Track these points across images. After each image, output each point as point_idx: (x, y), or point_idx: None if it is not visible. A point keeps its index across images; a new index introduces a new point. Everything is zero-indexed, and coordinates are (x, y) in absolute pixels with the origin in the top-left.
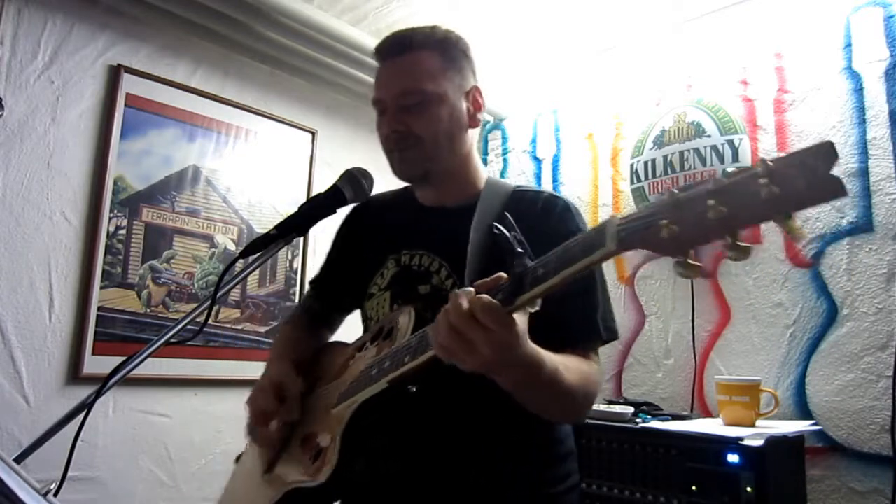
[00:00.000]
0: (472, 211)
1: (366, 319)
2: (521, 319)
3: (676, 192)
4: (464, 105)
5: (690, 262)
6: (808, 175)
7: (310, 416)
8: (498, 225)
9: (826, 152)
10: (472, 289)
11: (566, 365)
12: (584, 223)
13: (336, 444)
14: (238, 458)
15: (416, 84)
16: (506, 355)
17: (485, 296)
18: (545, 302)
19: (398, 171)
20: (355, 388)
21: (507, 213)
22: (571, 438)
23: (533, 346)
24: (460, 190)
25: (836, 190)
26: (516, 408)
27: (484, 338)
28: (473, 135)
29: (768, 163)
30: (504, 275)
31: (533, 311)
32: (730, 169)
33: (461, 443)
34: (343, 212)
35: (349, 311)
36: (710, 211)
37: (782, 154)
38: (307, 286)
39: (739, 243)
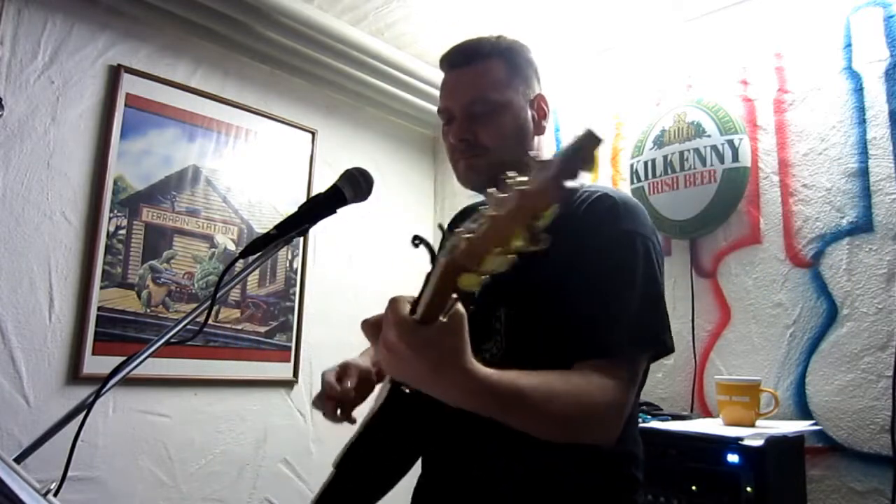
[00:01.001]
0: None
1: None
2: (435, 331)
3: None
4: (529, 113)
5: (482, 272)
6: (547, 171)
7: None
8: (418, 235)
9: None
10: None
11: (544, 389)
12: (645, 226)
13: (353, 437)
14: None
15: (484, 93)
16: (407, 361)
17: (401, 303)
18: (555, 310)
19: (463, 180)
20: (384, 384)
21: (441, 224)
22: (626, 461)
23: (478, 368)
24: None
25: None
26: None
27: (386, 347)
28: (541, 142)
29: (533, 161)
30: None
31: (444, 321)
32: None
33: (460, 440)
34: (343, 212)
35: None
36: (487, 220)
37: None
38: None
39: (511, 248)
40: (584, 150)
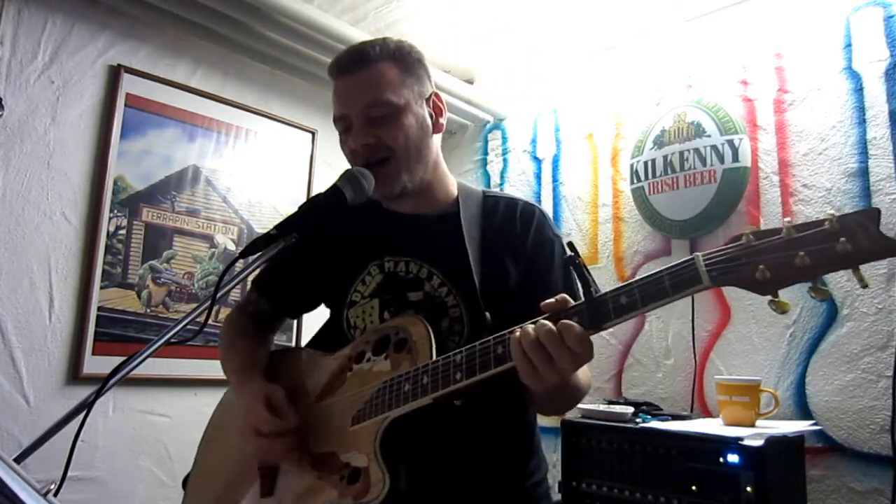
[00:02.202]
0: (453, 218)
1: (347, 327)
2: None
3: (753, 237)
4: (426, 112)
5: (779, 300)
6: (867, 234)
7: (318, 434)
8: (572, 255)
9: (874, 215)
10: (570, 323)
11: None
12: (556, 229)
13: (379, 464)
14: (186, 482)
15: (381, 95)
16: (576, 370)
17: (572, 323)
18: (531, 288)
19: (381, 191)
20: (383, 405)
21: (572, 244)
22: (538, 428)
23: None
24: (437, 197)
25: (892, 248)
26: (518, 409)
27: (570, 360)
28: (438, 140)
29: (835, 222)
30: (568, 297)
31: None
32: (789, 221)
33: (485, 453)
34: None
35: (295, 315)
36: (797, 259)
37: (843, 213)
38: (250, 288)
39: (820, 286)
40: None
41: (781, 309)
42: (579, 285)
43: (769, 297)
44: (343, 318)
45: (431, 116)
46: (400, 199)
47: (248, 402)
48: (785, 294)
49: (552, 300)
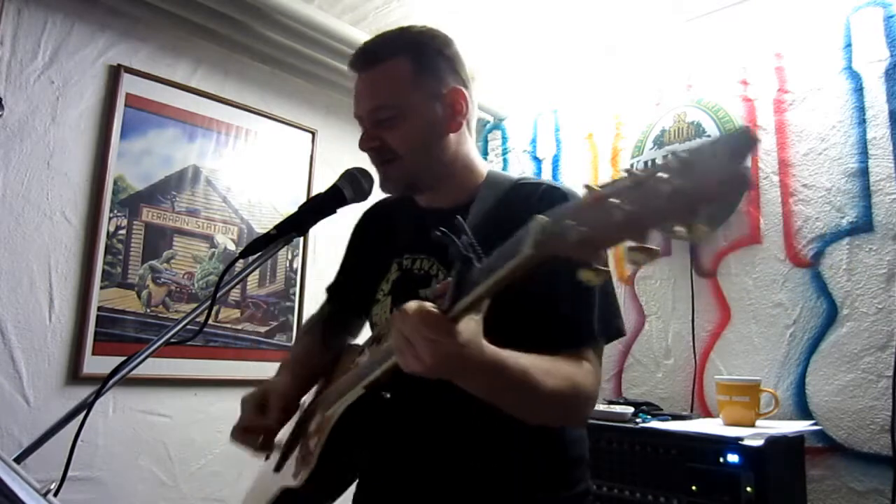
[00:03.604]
0: (466, 210)
1: (371, 325)
2: (467, 325)
3: (595, 188)
4: (439, 111)
5: (598, 266)
6: (715, 168)
7: (314, 419)
8: (442, 228)
9: (739, 140)
10: (414, 304)
11: (542, 367)
12: None
13: (318, 450)
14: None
15: (386, 98)
16: (452, 363)
17: (426, 304)
18: (533, 301)
19: (383, 189)
20: (341, 393)
21: (458, 217)
22: (580, 445)
23: (492, 351)
24: (456, 190)
25: (740, 184)
26: (492, 411)
27: (426, 346)
28: (462, 136)
29: (678, 155)
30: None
31: (478, 317)
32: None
33: (435, 448)
34: (343, 212)
35: (365, 316)
36: (616, 211)
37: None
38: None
39: (645, 245)
40: (743, 146)
41: (593, 279)
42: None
43: (586, 265)
44: (370, 315)
45: (447, 115)
46: (423, 195)
47: (246, 396)
48: (785, 293)
49: (439, 285)
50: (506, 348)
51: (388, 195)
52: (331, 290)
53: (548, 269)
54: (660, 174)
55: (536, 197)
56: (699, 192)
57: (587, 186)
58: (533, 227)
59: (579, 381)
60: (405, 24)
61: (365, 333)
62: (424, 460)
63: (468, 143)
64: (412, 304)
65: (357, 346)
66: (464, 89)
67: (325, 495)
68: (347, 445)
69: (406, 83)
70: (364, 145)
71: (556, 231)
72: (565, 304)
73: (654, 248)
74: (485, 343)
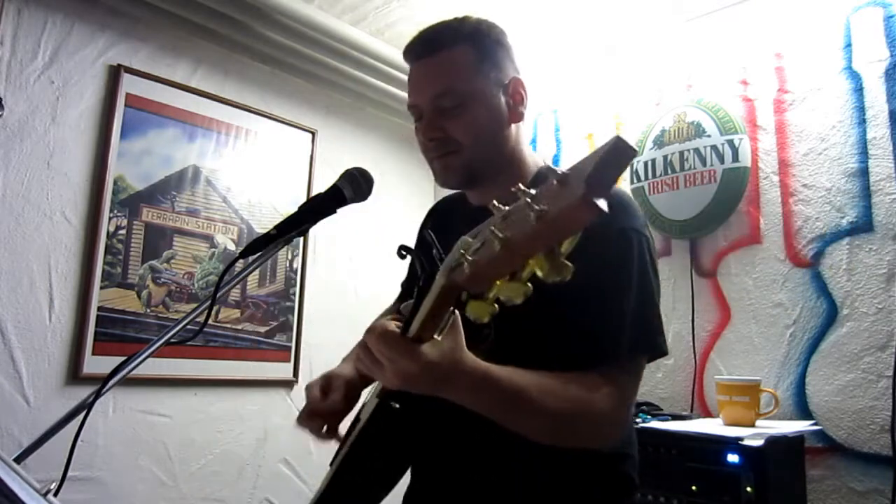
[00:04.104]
0: None
1: None
2: (435, 345)
3: (500, 205)
4: (503, 100)
5: (491, 300)
6: (571, 192)
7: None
8: (403, 246)
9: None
10: (377, 324)
11: (543, 386)
12: (638, 219)
13: (340, 455)
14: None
15: (451, 85)
16: (415, 382)
17: (390, 323)
18: (551, 319)
19: (441, 181)
20: (370, 397)
21: (429, 230)
22: (623, 465)
23: (479, 369)
24: (507, 186)
25: (591, 211)
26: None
27: (387, 365)
28: (519, 128)
29: (557, 175)
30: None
31: (448, 336)
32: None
33: (445, 459)
34: (343, 212)
35: None
36: (496, 241)
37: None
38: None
39: (523, 275)
40: (614, 165)
41: (477, 314)
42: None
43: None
44: None
45: (509, 105)
46: (472, 190)
47: (312, 381)
48: (785, 293)
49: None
50: (525, 365)
51: (451, 192)
52: (402, 286)
53: (572, 282)
54: (527, 199)
55: None
56: (561, 219)
57: (495, 207)
58: (453, 252)
59: (589, 402)
60: (405, 24)
61: None
62: (436, 471)
63: (524, 136)
64: (377, 323)
65: None
66: (522, 79)
67: (355, 500)
68: (372, 452)
69: (471, 71)
70: (427, 135)
71: (458, 263)
72: (591, 319)
73: (525, 286)
74: (469, 361)
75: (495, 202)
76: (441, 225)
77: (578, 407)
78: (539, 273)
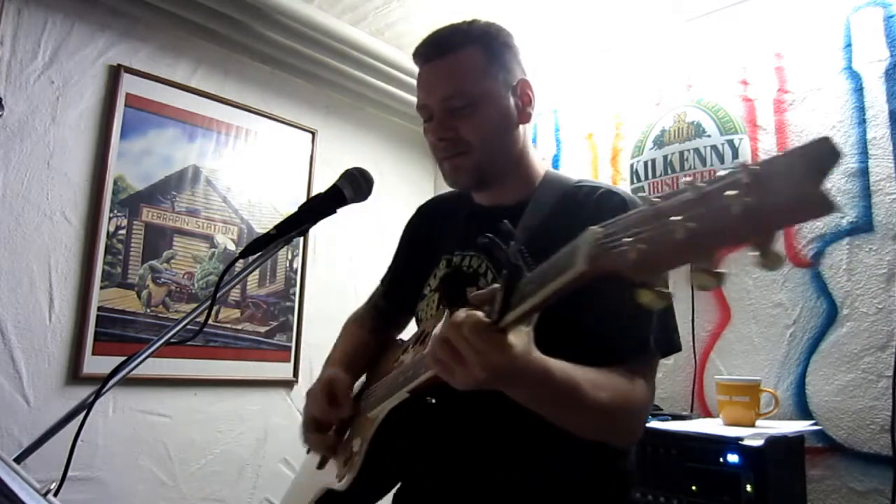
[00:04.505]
0: (521, 210)
1: (417, 321)
2: (519, 338)
3: (657, 199)
4: (511, 101)
5: (660, 289)
6: (788, 182)
7: (357, 418)
8: (489, 234)
9: (817, 152)
10: (463, 314)
11: (593, 381)
12: None
13: (362, 452)
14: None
15: (461, 86)
16: (502, 375)
17: (476, 313)
18: (584, 312)
19: (451, 181)
20: (385, 395)
21: (505, 221)
22: (624, 458)
23: (542, 363)
24: (514, 189)
25: (820, 206)
26: (536, 418)
27: (476, 359)
28: (526, 130)
29: (750, 167)
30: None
31: (528, 328)
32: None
33: (479, 454)
34: (343, 212)
35: (413, 312)
36: (678, 229)
37: (772, 155)
38: (378, 283)
39: (709, 269)
40: (823, 161)
41: (652, 303)
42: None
43: (645, 287)
44: (416, 311)
45: (517, 106)
46: (481, 191)
47: (313, 389)
48: (785, 293)
49: (482, 292)
50: (558, 359)
51: (449, 190)
52: (384, 282)
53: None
54: (728, 190)
55: (593, 202)
56: (773, 213)
57: (644, 198)
58: (585, 239)
59: (632, 396)
60: (405, 24)
61: (410, 329)
62: (467, 467)
63: (530, 138)
64: (462, 314)
65: (401, 341)
66: (529, 81)
67: (367, 498)
68: (390, 449)
69: (481, 72)
70: (438, 135)
71: (611, 246)
72: (623, 316)
73: (723, 272)
74: (535, 355)
75: (687, 185)
76: (442, 223)
77: (622, 402)
78: (759, 258)
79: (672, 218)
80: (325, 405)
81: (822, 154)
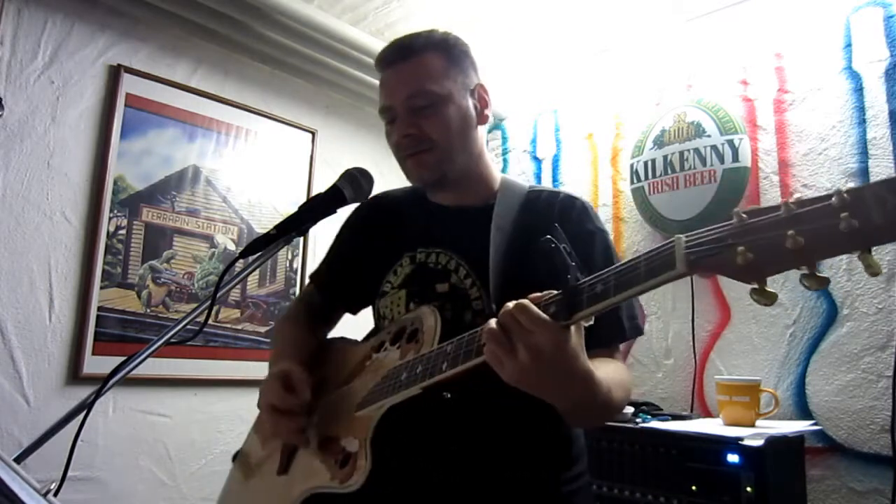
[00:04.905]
0: (488, 210)
1: (379, 318)
2: (577, 339)
3: (746, 216)
4: (471, 103)
5: (767, 289)
6: (883, 209)
7: (329, 418)
8: (551, 237)
9: (892, 186)
10: (527, 302)
11: (615, 381)
12: (602, 222)
13: (366, 450)
14: (235, 457)
15: (425, 86)
16: (557, 374)
17: (532, 307)
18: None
19: (415, 178)
20: (382, 393)
21: (556, 225)
22: (582, 437)
23: (587, 366)
24: (477, 190)
25: None
26: (538, 413)
27: (528, 349)
28: (483, 132)
29: (844, 195)
30: (553, 291)
31: (587, 325)
32: (799, 196)
33: (489, 446)
34: (343, 212)
35: (353, 308)
36: (788, 240)
37: (853, 185)
38: (307, 280)
39: (817, 273)
40: None
41: (766, 300)
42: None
43: (753, 286)
44: (376, 308)
45: (476, 108)
46: (441, 190)
47: (268, 380)
48: (785, 294)
49: (538, 294)
50: None
51: (398, 188)
52: (318, 278)
53: (579, 256)
54: (841, 212)
55: (557, 207)
56: (874, 231)
57: (735, 213)
58: (678, 245)
59: (629, 386)
60: (405, 24)
61: (344, 325)
62: (476, 459)
63: (485, 144)
64: (533, 310)
65: (348, 340)
66: (486, 86)
67: (367, 495)
68: (389, 445)
69: (442, 75)
70: (402, 132)
71: (711, 253)
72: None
73: (825, 276)
74: (583, 356)
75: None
76: (398, 220)
77: (628, 393)
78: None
79: (787, 231)
80: (282, 392)
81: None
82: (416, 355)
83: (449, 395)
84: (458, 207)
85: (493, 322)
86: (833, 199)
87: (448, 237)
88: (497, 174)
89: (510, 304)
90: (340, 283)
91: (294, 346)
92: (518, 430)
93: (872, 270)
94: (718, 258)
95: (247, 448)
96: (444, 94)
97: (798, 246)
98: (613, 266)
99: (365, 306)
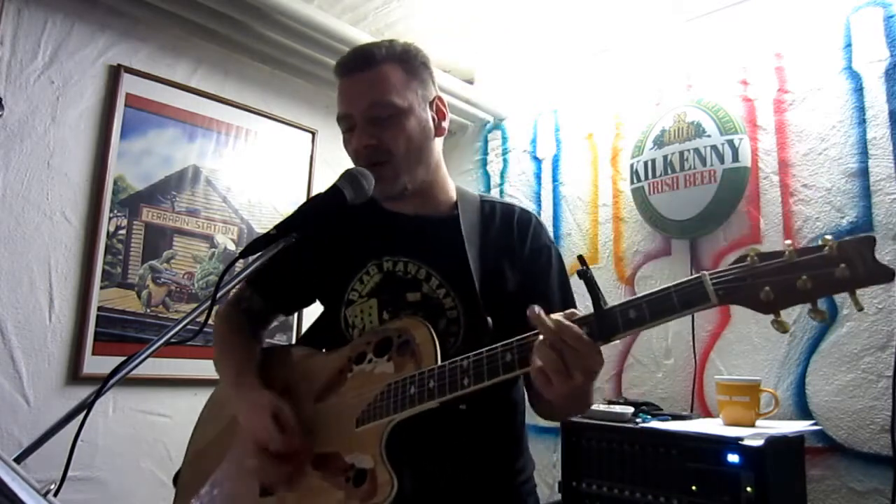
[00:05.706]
0: (454, 220)
1: (346, 326)
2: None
3: (757, 258)
4: (429, 115)
5: (781, 319)
6: (863, 260)
7: (319, 435)
8: (584, 268)
9: (871, 243)
10: (575, 326)
11: None
12: (550, 237)
13: (385, 465)
14: (176, 478)
15: (385, 97)
16: (592, 388)
17: (584, 335)
18: (529, 294)
19: (376, 191)
20: (389, 407)
21: (582, 257)
22: (527, 428)
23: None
24: (438, 200)
25: (886, 275)
26: (514, 417)
27: (582, 370)
28: (440, 144)
29: (835, 248)
30: (576, 311)
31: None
32: (791, 245)
33: (499, 455)
34: None
35: (291, 311)
36: (800, 282)
37: (843, 239)
38: (245, 284)
39: (819, 308)
40: (871, 246)
41: (783, 329)
42: (581, 297)
43: (772, 317)
44: (340, 316)
45: (434, 120)
46: (401, 200)
47: (252, 412)
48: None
49: (563, 312)
50: (518, 327)
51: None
52: (257, 282)
53: (541, 283)
54: (839, 263)
55: (516, 222)
56: (861, 277)
57: (750, 254)
58: (706, 282)
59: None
60: (405, 24)
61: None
62: (486, 466)
63: (441, 154)
64: (584, 336)
65: (305, 349)
66: (444, 98)
67: None
68: (397, 457)
69: (402, 86)
70: (361, 143)
71: (737, 288)
72: (562, 302)
73: (824, 310)
74: None
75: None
76: (353, 228)
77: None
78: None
79: (801, 276)
80: (277, 434)
81: (870, 241)
82: (425, 370)
83: (464, 407)
84: (421, 217)
85: (542, 341)
86: (825, 250)
87: (416, 247)
88: (452, 183)
89: (552, 324)
90: (285, 290)
91: (251, 360)
92: (514, 438)
93: (858, 307)
94: (743, 294)
95: (196, 469)
96: (404, 106)
97: (807, 288)
98: (644, 295)
99: (299, 309)
